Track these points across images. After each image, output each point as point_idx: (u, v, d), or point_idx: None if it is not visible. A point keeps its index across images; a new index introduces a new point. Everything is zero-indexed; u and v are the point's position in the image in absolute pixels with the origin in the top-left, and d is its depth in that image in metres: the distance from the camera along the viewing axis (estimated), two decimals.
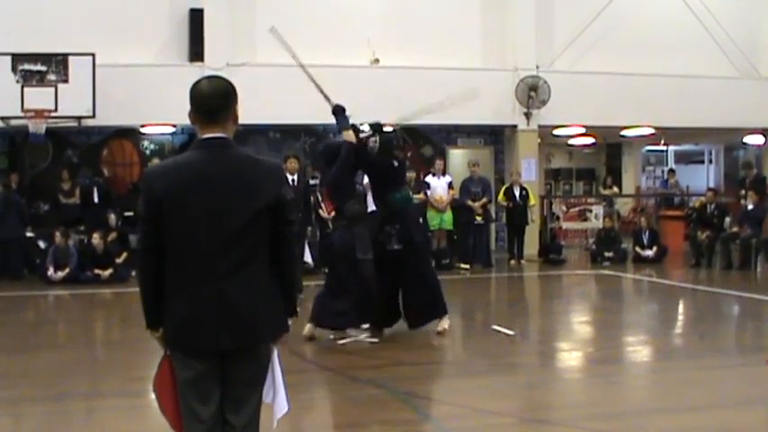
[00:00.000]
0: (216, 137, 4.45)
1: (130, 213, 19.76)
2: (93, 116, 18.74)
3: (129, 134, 21.68)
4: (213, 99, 4.48)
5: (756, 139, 26.60)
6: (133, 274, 17.90)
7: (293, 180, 16.37)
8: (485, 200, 20.43)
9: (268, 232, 4.47)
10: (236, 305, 4.36)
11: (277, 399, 4.68)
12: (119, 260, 18.26)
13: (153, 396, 4.68)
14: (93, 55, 18.54)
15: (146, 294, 4.51)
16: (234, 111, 4.54)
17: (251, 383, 4.52)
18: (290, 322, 4.66)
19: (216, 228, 4.34)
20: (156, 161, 19.45)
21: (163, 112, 18.93)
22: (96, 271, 17.85)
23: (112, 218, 19.40)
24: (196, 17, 20.17)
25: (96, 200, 20.28)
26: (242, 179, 4.41)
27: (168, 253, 4.39)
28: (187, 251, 4.37)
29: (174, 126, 21.10)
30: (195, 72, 19.74)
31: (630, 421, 7.64)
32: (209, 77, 4.61)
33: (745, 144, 29.26)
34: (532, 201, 21.38)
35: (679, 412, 7.79)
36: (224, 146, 4.46)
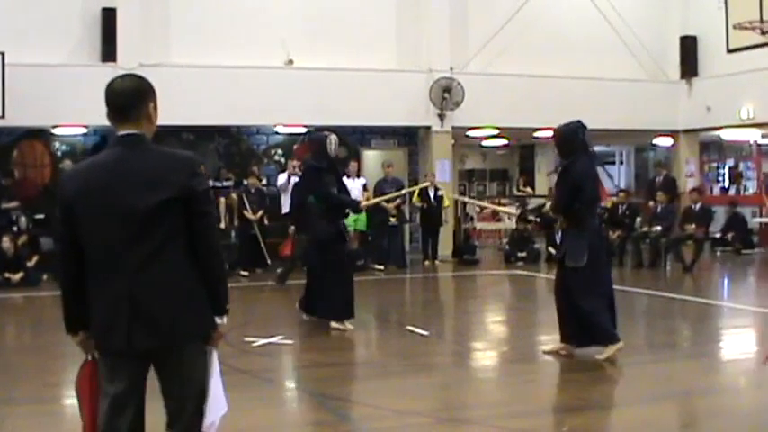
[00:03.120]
0: (128, 134, 4.43)
1: (41, 216, 19.47)
2: (3, 117, 18.39)
3: (41, 135, 21.30)
4: (123, 97, 4.45)
5: (665, 141, 27.08)
6: (44, 277, 17.68)
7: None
8: (398, 201, 20.46)
9: (181, 226, 4.37)
10: (147, 302, 4.30)
11: (210, 401, 4.55)
12: (30, 263, 17.95)
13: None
14: (2, 54, 18.21)
15: (64, 297, 4.51)
16: (147, 109, 4.51)
17: (183, 386, 4.45)
18: (220, 321, 4.54)
19: (121, 223, 4.28)
20: (67, 162, 19.17)
21: (75, 113, 18.67)
22: (6, 275, 17.51)
23: (23, 220, 19.07)
24: (109, 16, 19.89)
25: None
26: (146, 172, 4.35)
27: (86, 254, 4.38)
28: (98, 250, 4.35)
29: (86, 127, 20.78)
30: (107, 72, 19.38)
31: (544, 419, 7.74)
32: (122, 76, 4.58)
33: (654, 146, 29.79)
34: (446, 203, 21.47)
35: (591, 409, 7.91)
36: (136, 142, 4.43)
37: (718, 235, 23.59)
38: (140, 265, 4.30)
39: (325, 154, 12.15)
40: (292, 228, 16.22)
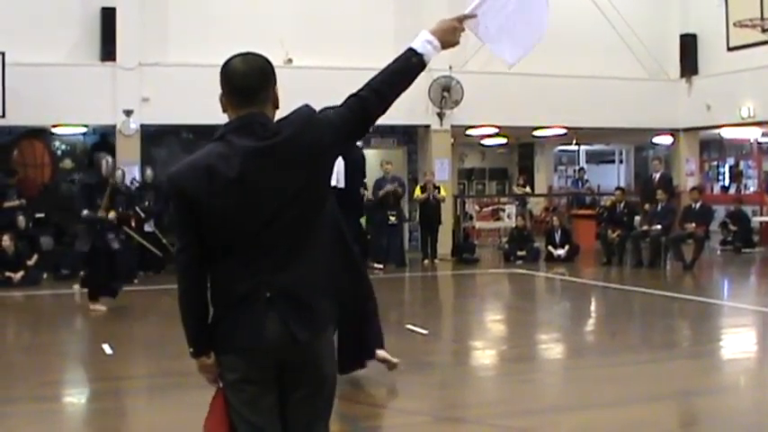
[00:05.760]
0: (251, 113, 3.80)
1: (41, 215, 19.48)
2: (3, 116, 18.36)
3: (40, 134, 21.29)
4: (249, 78, 3.84)
5: (665, 140, 27.09)
6: (44, 276, 17.67)
7: None
8: (398, 188, 20.57)
9: (321, 208, 3.87)
10: (298, 293, 3.75)
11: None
12: (30, 262, 17.92)
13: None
14: (2, 54, 18.20)
15: (190, 313, 3.86)
16: (274, 92, 3.94)
17: (314, 411, 3.90)
18: None
19: (265, 211, 3.71)
20: (67, 162, 19.17)
21: (74, 113, 18.62)
22: (7, 273, 17.49)
23: (21, 219, 19.00)
24: (108, 16, 19.87)
25: None
26: (283, 153, 3.75)
27: (212, 251, 3.78)
28: (231, 242, 3.74)
29: (86, 126, 20.75)
30: (107, 72, 19.54)
31: (543, 418, 7.74)
32: (243, 54, 3.91)
33: (654, 144, 29.81)
34: (443, 192, 21.38)
35: (590, 408, 7.92)
36: (262, 122, 3.81)
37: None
38: (288, 255, 3.75)
39: None
40: None
